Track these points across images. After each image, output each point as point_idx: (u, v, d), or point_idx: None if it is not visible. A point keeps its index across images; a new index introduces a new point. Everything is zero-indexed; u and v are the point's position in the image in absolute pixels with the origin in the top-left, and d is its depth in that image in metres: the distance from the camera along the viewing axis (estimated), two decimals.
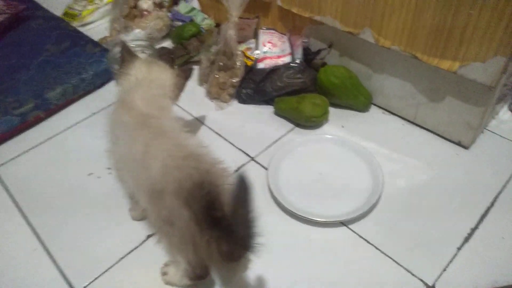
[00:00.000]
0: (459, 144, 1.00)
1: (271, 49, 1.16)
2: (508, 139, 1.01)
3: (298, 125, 1.09)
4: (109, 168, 1.02)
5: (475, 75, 0.85)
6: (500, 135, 1.02)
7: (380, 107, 1.12)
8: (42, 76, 1.21)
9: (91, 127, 1.15)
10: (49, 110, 1.17)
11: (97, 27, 1.57)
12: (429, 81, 0.96)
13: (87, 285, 0.80)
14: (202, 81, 1.24)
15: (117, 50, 1.20)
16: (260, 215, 0.90)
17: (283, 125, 1.10)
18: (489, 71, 0.83)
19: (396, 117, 1.09)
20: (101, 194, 0.97)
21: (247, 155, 1.03)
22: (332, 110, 1.10)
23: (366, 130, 1.06)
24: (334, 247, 0.83)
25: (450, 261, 0.79)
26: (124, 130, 0.76)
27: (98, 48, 1.33)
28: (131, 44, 1.13)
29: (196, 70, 1.27)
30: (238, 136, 1.08)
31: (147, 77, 0.87)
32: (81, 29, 1.51)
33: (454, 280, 0.76)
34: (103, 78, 1.27)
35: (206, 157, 0.69)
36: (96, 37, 1.47)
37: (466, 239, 0.82)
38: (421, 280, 0.76)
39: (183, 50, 1.31)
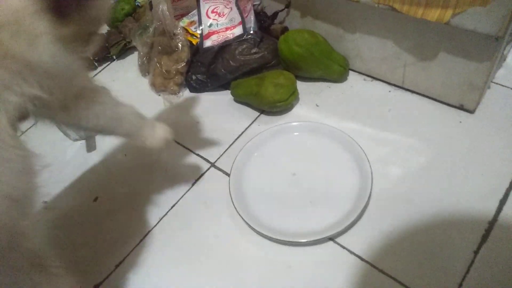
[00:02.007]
0: (461, 108, 0.80)
1: (217, 21, 0.93)
2: None
3: (263, 111, 0.89)
4: (44, 202, 0.84)
5: (474, 24, 0.64)
6: (511, 88, 0.82)
7: (360, 73, 0.91)
8: None
9: None
10: None
11: None
12: (416, 37, 0.74)
13: None
14: (144, 71, 1.02)
15: None
16: (226, 240, 0.75)
17: (245, 115, 0.90)
18: (493, 17, 0.61)
19: (380, 83, 0.89)
20: None
21: (206, 160, 0.84)
22: (302, 86, 0.89)
23: (345, 105, 0.86)
24: (321, 271, 0.66)
25: (467, 272, 0.62)
26: None
27: None
28: None
29: (135, 57, 1.05)
30: (193, 136, 0.89)
31: None
32: None
33: None
34: None
35: None
36: None
37: (484, 238, 0.65)
38: None
39: (118, 35, 1.09)
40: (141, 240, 0.74)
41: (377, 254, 0.66)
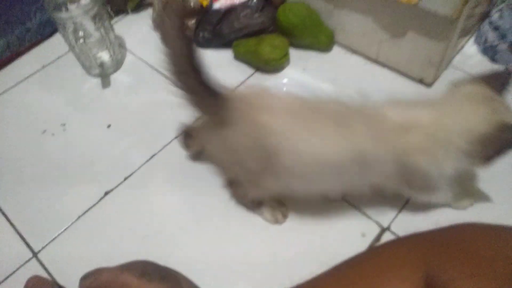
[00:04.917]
0: (421, 81, 0.97)
1: None
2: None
3: (258, 69, 1.04)
4: (63, 125, 0.98)
5: (436, 6, 0.80)
6: (464, 71, 0.99)
7: (343, 46, 1.07)
8: None
9: (42, 82, 1.09)
10: None
11: None
12: (391, 16, 0.91)
13: (45, 245, 0.79)
14: (157, 25, 1.16)
15: None
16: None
17: (243, 71, 1.05)
18: (450, 1, 0.78)
19: (358, 57, 1.05)
20: (56, 151, 0.94)
21: None
22: (294, 53, 1.05)
23: (327, 72, 1.02)
24: None
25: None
26: None
27: None
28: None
29: (150, 13, 1.19)
30: None
31: None
32: None
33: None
34: (51, 26, 1.18)
35: None
36: None
37: None
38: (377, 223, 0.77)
39: None
40: (147, 160, 0.89)
41: None
